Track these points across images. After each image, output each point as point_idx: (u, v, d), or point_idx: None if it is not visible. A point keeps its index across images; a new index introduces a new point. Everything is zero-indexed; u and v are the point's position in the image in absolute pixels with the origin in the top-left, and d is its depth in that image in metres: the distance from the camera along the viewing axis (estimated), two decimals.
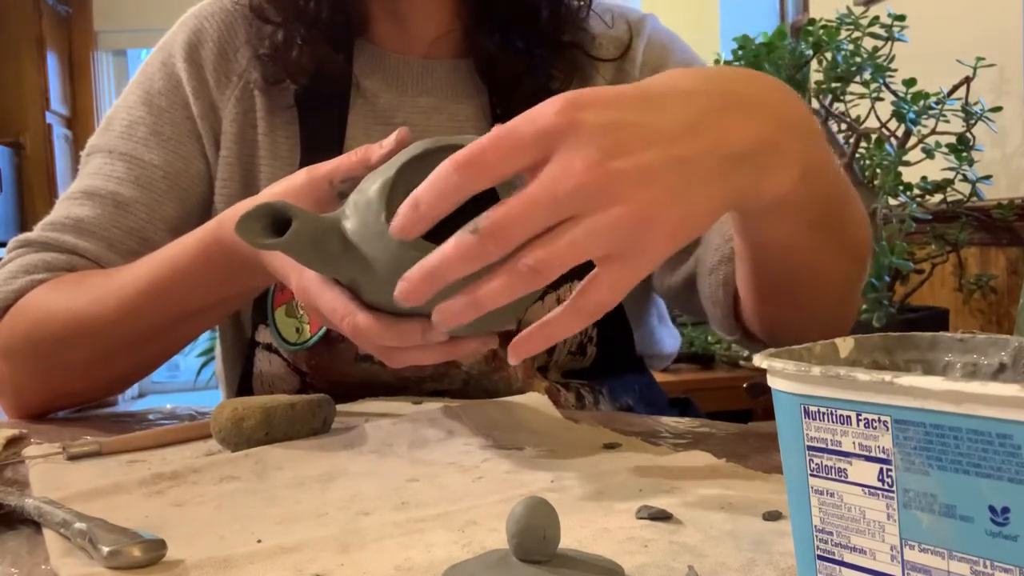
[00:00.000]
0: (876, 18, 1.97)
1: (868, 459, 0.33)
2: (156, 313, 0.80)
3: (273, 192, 0.70)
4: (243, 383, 0.93)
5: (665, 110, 0.49)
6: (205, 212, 0.95)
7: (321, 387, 0.87)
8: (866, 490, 0.33)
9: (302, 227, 0.56)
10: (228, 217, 0.75)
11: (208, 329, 0.87)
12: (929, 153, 1.95)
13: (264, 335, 0.90)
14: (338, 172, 0.67)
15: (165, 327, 0.82)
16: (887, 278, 1.99)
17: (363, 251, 0.57)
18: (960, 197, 2.07)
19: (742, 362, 2.26)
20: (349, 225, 0.58)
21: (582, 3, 0.98)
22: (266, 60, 0.92)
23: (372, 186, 0.58)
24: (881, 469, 0.33)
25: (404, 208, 0.49)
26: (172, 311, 0.80)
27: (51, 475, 0.62)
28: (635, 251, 0.47)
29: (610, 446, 0.65)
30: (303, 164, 0.92)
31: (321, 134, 0.93)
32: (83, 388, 0.88)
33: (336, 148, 0.92)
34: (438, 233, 0.55)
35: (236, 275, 0.76)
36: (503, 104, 0.94)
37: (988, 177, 2.02)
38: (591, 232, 0.46)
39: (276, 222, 0.57)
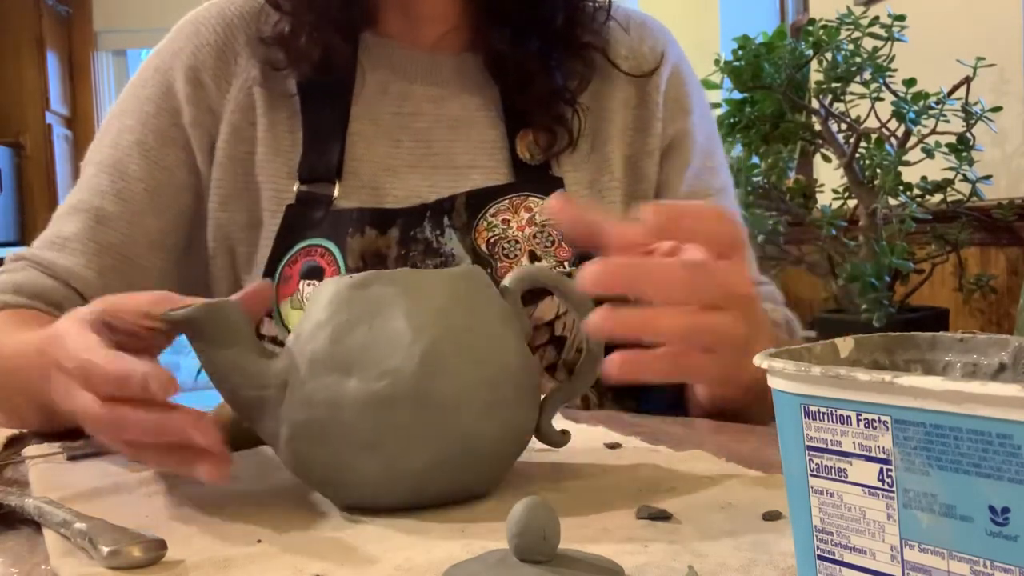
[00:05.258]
0: (876, 18, 1.97)
1: (868, 459, 0.33)
2: (8, 392, 0.77)
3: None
4: None
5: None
6: (192, 222, 0.94)
7: None
8: (866, 490, 0.33)
9: None
10: (51, 333, 0.61)
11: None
12: (929, 153, 1.95)
13: (268, 328, 0.91)
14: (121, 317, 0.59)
15: (22, 405, 0.76)
16: (887, 278, 1.99)
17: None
18: (960, 197, 2.07)
19: None
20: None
21: (599, 7, 0.97)
22: (270, 44, 0.92)
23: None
24: (881, 469, 0.33)
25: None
26: (19, 397, 0.75)
27: (51, 475, 0.62)
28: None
29: (610, 446, 0.65)
30: (305, 157, 0.92)
31: (324, 126, 0.93)
32: (20, 423, 0.81)
33: (339, 140, 0.92)
34: None
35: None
36: (514, 99, 0.94)
37: (988, 177, 2.02)
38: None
39: None
